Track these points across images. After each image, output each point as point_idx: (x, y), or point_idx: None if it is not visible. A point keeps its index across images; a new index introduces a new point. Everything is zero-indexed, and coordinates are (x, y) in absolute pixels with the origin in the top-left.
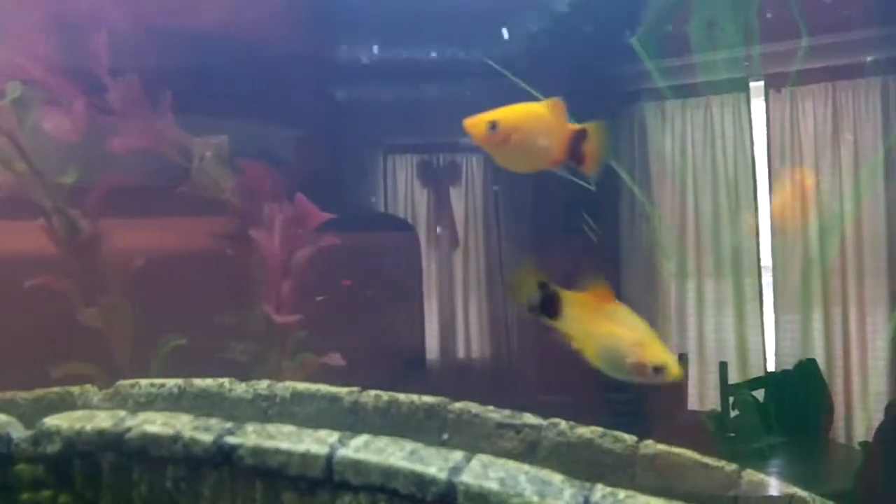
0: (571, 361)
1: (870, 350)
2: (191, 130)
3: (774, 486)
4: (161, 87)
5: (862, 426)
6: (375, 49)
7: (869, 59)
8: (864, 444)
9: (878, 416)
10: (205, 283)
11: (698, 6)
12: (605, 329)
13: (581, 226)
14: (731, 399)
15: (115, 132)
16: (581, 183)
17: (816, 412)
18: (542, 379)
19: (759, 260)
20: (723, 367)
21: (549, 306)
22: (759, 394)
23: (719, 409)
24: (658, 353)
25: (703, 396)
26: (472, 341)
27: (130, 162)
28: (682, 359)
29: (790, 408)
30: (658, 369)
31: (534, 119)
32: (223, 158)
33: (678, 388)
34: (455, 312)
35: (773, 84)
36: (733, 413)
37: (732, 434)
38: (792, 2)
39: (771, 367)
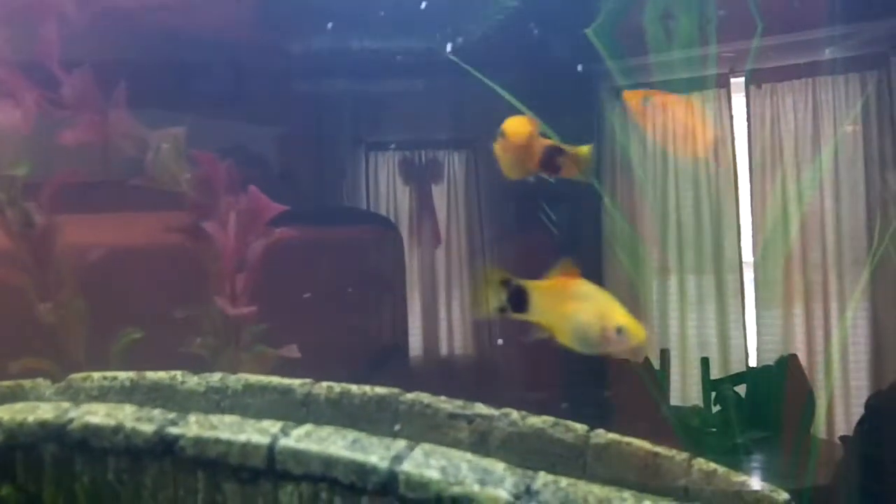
0: (554, 358)
1: (851, 345)
2: (158, 126)
3: (724, 476)
4: (123, 80)
5: (842, 421)
6: (354, 43)
7: (847, 54)
8: (844, 439)
9: (858, 411)
10: (161, 276)
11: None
12: (570, 308)
13: (564, 222)
14: (713, 395)
15: (67, 125)
16: (544, 177)
17: (797, 407)
18: (525, 375)
19: (740, 255)
20: (705, 362)
21: (518, 301)
22: (741, 389)
23: (701, 404)
24: (618, 317)
25: (685, 392)
26: (455, 338)
27: (86, 155)
28: (664, 354)
29: (771, 403)
30: (619, 332)
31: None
32: (180, 150)
33: (659, 384)
34: (438, 309)
35: (754, 80)
36: (715, 408)
37: (714, 429)
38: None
39: (753, 363)
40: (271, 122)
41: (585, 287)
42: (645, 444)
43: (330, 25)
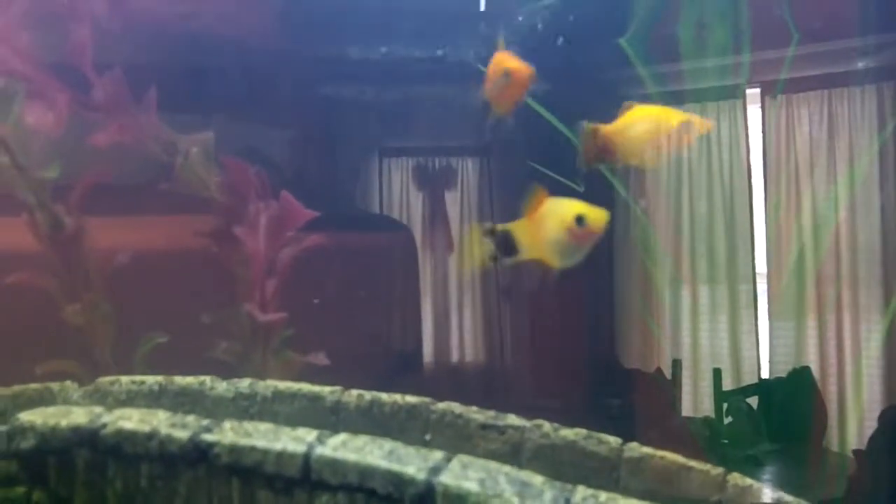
0: (564, 365)
1: (863, 358)
2: (180, 129)
3: (759, 491)
4: (147, 83)
5: (855, 434)
6: (370, 50)
7: (863, 66)
8: (857, 452)
9: (871, 424)
10: (189, 281)
11: (687, 6)
12: (542, 231)
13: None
14: (724, 406)
15: (98, 127)
16: (569, 184)
17: (810, 419)
18: (535, 382)
19: (753, 266)
20: (717, 373)
21: (506, 247)
22: (753, 401)
23: (713, 415)
24: (574, 210)
25: (697, 403)
26: (466, 344)
27: (116, 158)
28: (676, 365)
29: (784, 415)
30: (579, 221)
31: None
32: (209, 155)
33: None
34: (449, 315)
35: (769, 91)
36: (727, 420)
37: (726, 441)
38: (784, 6)
39: (765, 375)
40: (288, 126)
41: (551, 204)
42: (679, 458)
43: (349, 33)
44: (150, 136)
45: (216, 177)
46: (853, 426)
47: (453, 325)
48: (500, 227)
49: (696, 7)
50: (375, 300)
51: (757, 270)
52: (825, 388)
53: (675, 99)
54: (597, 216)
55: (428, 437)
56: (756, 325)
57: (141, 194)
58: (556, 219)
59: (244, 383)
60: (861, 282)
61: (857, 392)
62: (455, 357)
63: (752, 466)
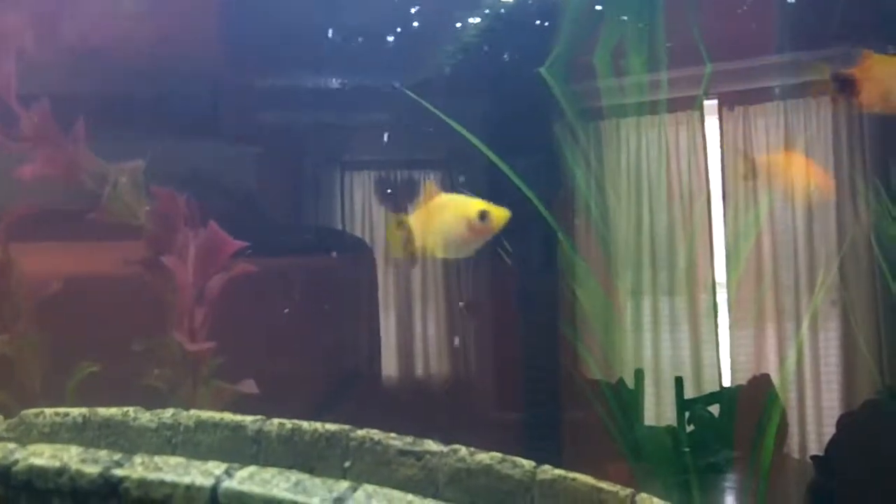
0: (529, 379)
1: (822, 365)
2: (123, 153)
3: None
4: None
5: (814, 440)
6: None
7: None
8: (815, 458)
9: (829, 430)
10: (119, 309)
11: (606, 32)
12: (436, 221)
13: (539, 244)
14: (686, 414)
15: (25, 158)
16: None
17: (770, 427)
18: (500, 397)
19: (713, 276)
20: (678, 382)
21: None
22: (715, 409)
23: (675, 424)
24: (477, 206)
25: (659, 412)
26: (431, 359)
27: (44, 187)
28: (638, 374)
29: (744, 423)
30: (483, 217)
31: None
32: (138, 184)
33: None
34: (413, 329)
35: (726, 102)
36: (689, 428)
37: (688, 449)
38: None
39: (726, 383)
40: (243, 143)
41: (443, 198)
42: (590, 480)
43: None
44: (78, 166)
45: (145, 206)
46: (813, 432)
47: (416, 338)
48: (405, 219)
49: (615, 34)
50: (332, 319)
51: (717, 280)
52: (785, 395)
53: (632, 111)
54: (500, 213)
55: (347, 464)
56: (717, 334)
57: (71, 221)
58: (454, 213)
59: (167, 413)
60: (819, 289)
61: (817, 398)
62: (417, 371)
63: (714, 474)
